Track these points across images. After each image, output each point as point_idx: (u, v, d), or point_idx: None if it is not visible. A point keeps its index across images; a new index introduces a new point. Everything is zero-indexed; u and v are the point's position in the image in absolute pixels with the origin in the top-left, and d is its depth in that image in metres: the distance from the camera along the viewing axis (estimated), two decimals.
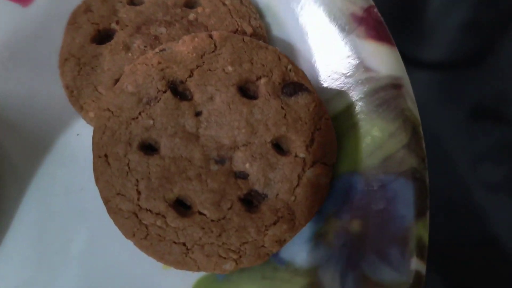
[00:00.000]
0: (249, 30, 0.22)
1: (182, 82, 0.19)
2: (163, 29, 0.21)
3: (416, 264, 0.17)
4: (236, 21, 0.22)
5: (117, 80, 0.21)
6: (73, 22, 0.22)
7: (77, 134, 0.22)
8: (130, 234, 0.18)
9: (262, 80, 0.19)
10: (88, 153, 0.21)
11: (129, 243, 0.19)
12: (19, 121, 0.22)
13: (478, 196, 0.29)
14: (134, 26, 0.21)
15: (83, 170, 0.21)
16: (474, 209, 0.27)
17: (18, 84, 0.23)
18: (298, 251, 0.20)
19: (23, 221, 0.21)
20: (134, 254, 0.20)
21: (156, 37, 0.21)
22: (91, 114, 0.20)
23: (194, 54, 0.19)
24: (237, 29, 0.22)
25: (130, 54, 0.21)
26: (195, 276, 0.20)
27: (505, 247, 0.28)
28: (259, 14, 0.23)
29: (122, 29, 0.21)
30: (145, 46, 0.21)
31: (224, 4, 0.23)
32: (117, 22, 0.22)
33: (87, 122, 0.21)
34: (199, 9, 0.22)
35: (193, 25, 0.22)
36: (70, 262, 0.20)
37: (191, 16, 0.22)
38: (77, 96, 0.21)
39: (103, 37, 0.22)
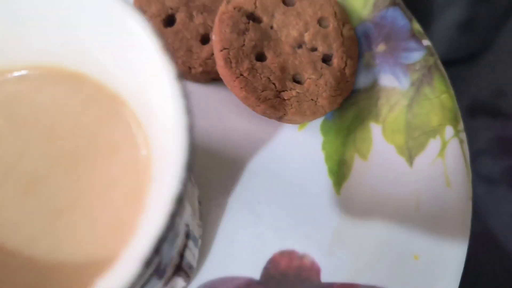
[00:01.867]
0: None
1: (252, 13, 0.28)
2: None
3: (425, 42, 0.30)
4: None
5: (202, 35, 0.29)
6: None
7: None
8: (281, 112, 0.27)
9: None
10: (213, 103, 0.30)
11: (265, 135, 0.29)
12: None
13: (477, 190, 0.30)
14: (183, 5, 0.30)
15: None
16: (473, 203, 0.27)
17: None
18: (360, 78, 0.31)
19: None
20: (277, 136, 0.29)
21: (204, 5, 0.30)
22: (199, 69, 0.29)
23: None
24: None
25: (196, 22, 0.30)
26: (317, 126, 0.30)
27: (504, 240, 0.31)
28: None
29: (177, 11, 0.30)
30: (201, 13, 0.30)
31: None
32: (171, 8, 0.30)
33: (191, 80, 0.29)
34: None
35: None
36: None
37: None
38: (178, 60, 0.29)
39: (168, 22, 0.30)
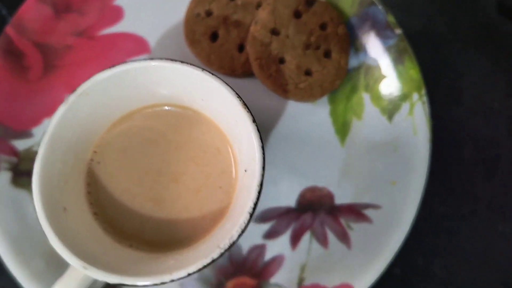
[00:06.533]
0: None
1: (273, 28, 0.40)
2: (236, 16, 0.42)
3: (398, 31, 0.42)
4: None
5: (239, 45, 0.41)
6: (193, 40, 0.42)
7: None
8: (299, 96, 0.40)
9: (300, 7, 0.41)
10: None
11: None
12: None
13: None
14: (222, 23, 0.42)
15: None
16: None
17: None
18: (352, 60, 0.43)
19: None
20: None
21: (237, 21, 0.42)
22: (240, 70, 0.41)
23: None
24: None
25: (233, 35, 0.42)
26: (325, 99, 0.43)
27: None
28: None
29: (219, 29, 0.42)
30: (235, 27, 0.42)
31: None
32: (214, 27, 0.42)
33: (235, 77, 0.42)
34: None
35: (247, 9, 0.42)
36: None
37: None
38: (224, 66, 0.41)
39: (212, 38, 0.42)
